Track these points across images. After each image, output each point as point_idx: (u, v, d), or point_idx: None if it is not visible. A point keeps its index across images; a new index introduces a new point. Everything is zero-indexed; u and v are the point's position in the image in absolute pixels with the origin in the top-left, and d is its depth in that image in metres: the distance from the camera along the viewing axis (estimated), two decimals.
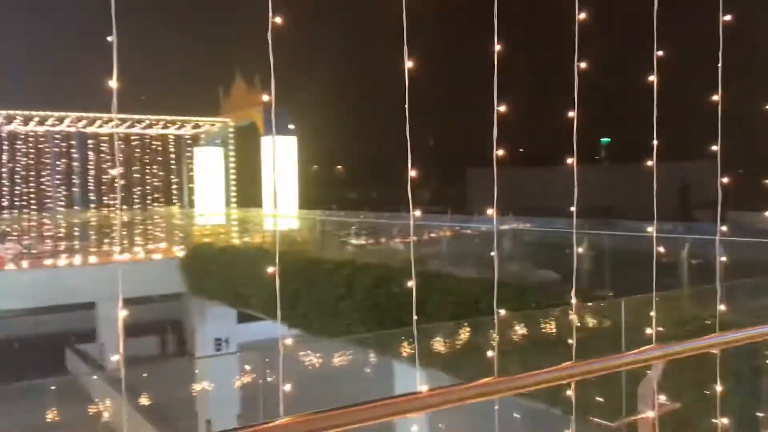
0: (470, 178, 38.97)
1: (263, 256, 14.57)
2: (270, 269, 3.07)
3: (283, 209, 18.28)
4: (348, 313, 10.52)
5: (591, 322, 6.23)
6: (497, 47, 2.55)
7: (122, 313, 1.95)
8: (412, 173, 2.55)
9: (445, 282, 9.10)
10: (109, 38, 1.94)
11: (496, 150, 2.74)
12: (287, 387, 2.99)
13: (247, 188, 20.30)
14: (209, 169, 20.15)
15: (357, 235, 15.94)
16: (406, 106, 2.44)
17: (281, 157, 18.27)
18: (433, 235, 14.63)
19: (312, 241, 16.16)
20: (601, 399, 4.28)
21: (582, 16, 2.68)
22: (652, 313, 2.72)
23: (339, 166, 46.20)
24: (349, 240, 15.59)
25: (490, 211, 2.88)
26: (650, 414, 2.44)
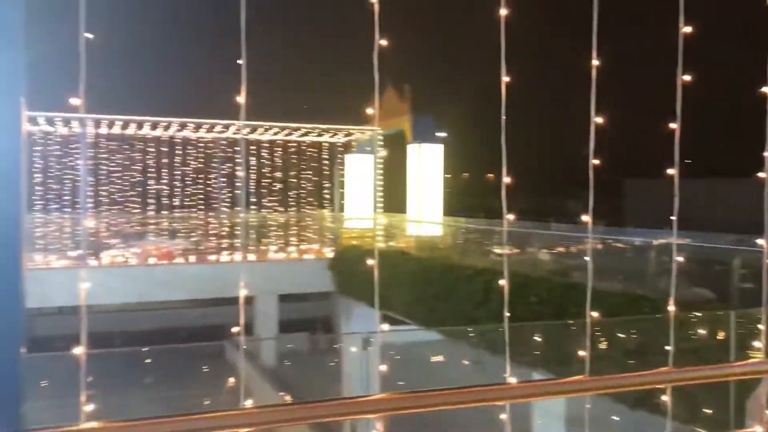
0: (628, 189, 37.35)
1: (404, 261, 14.95)
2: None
3: (427, 215, 18.63)
4: (484, 320, 10.58)
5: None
6: (595, 62, 2.60)
7: (243, 292, 2.25)
8: (507, 179, 2.66)
9: (583, 294, 8.90)
10: (239, 61, 2.23)
11: (599, 159, 2.77)
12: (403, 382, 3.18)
13: (393, 194, 20.89)
14: (359, 175, 20.98)
15: (500, 243, 15.89)
16: (503, 117, 2.55)
17: (426, 164, 18.64)
18: (581, 246, 14.31)
19: (454, 248, 16.33)
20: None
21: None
22: (762, 326, 2.62)
23: (490, 174, 45.96)
24: (491, 248, 15.58)
25: (585, 218, 2.90)
26: (758, 429, 2.36)
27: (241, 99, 2.25)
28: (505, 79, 2.43)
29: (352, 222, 20.80)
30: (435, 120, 19.63)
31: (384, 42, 2.32)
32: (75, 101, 1.92)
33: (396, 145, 20.60)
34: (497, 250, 15.81)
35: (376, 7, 2.23)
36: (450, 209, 19.86)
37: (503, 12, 2.32)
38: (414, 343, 15.42)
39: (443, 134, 19.97)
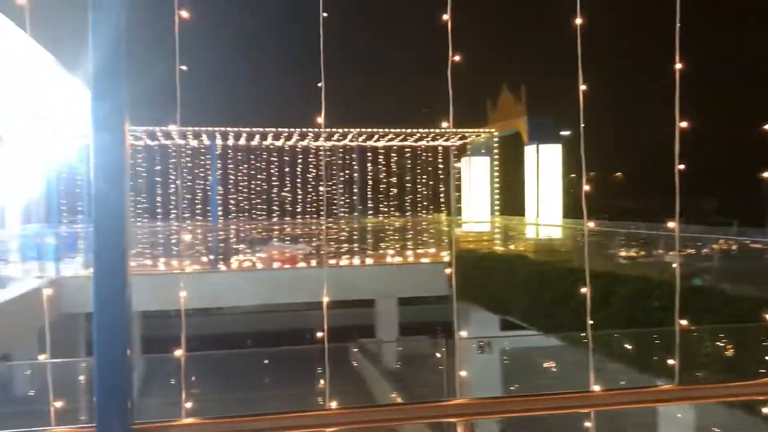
0: None
1: (522, 264, 14.71)
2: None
3: (545, 218, 18.22)
4: (603, 326, 10.21)
5: None
6: (675, 63, 2.48)
7: (325, 300, 2.35)
8: (584, 184, 2.60)
9: (710, 299, 8.41)
10: (318, 84, 2.35)
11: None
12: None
13: (510, 197, 20.59)
14: (474, 178, 20.85)
15: (623, 246, 15.27)
16: (581, 123, 2.50)
17: (545, 165, 18.24)
18: (714, 247, 13.52)
19: (574, 251, 15.85)
20: None
21: None
22: None
23: (618, 173, 44.19)
24: (613, 251, 15.02)
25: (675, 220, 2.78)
26: None
27: (320, 120, 2.37)
28: (582, 87, 2.38)
29: (468, 225, 20.71)
30: (553, 119, 19.15)
31: (457, 58, 2.36)
32: (173, 128, 2.10)
33: (512, 147, 20.32)
34: (618, 253, 15.19)
35: (449, 24, 2.27)
36: (572, 210, 19.24)
37: (579, 21, 2.28)
38: (531, 348, 15.13)
39: (566, 133, 19.43)
